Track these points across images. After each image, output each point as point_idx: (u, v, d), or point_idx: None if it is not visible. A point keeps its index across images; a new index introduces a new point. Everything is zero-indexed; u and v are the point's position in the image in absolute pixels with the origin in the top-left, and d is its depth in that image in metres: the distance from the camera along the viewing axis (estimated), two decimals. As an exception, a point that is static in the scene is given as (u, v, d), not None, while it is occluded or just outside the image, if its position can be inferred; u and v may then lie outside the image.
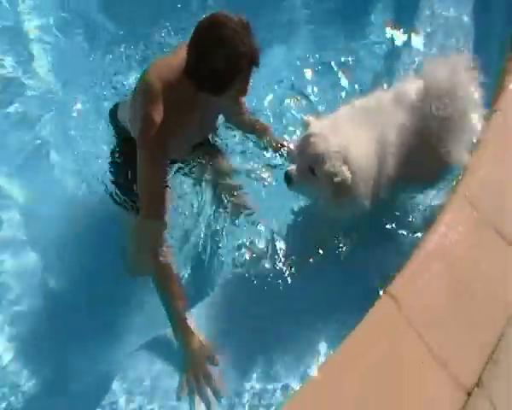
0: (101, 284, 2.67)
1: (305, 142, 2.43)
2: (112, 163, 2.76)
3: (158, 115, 2.16)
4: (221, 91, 2.20)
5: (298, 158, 2.49)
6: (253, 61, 2.16)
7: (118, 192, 2.69)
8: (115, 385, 2.18)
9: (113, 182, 2.73)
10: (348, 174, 2.32)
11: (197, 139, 2.66)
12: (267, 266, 2.58)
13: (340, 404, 1.98)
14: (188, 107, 2.28)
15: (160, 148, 2.20)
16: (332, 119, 2.51)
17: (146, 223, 2.24)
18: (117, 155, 2.72)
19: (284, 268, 2.54)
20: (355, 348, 2.09)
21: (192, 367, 2.19)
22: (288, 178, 2.45)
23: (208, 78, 2.16)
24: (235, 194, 2.85)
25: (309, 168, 2.40)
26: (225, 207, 2.82)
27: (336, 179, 2.31)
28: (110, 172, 2.75)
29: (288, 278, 2.51)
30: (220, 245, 2.77)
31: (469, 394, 2.07)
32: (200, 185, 2.90)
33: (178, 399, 2.14)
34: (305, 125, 2.50)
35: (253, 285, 2.50)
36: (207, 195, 2.89)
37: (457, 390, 2.07)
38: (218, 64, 2.11)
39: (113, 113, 2.73)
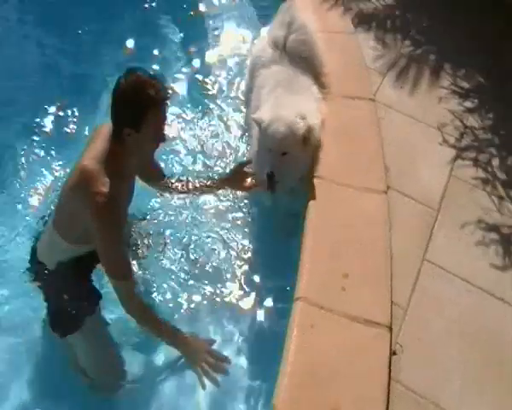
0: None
1: (269, 137, 2.63)
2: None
3: (107, 186, 2.20)
4: (138, 123, 2.23)
5: (267, 157, 2.65)
6: (163, 97, 2.25)
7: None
8: None
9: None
10: (315, 121, 2.70)
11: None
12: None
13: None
14: (122, 175, 2.33)
15: (119, 212, 2.29)
16: (267, 101, 2.78)
17: (126, 284, 2.33)
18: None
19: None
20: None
21: (198, 361, 2.42)
22: (270, 179, 2.61)
23: (124, 112, 2.23)
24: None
25: (282, 154, 2.62)
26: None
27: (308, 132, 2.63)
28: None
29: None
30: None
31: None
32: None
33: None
34: (259, 122, 2.68)
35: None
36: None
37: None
38: (130, 95, 2.19)
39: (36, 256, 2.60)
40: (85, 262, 2.52)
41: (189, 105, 3.60)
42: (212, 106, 3.59)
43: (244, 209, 3.06)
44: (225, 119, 3.52)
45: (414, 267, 2.51)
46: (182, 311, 2.74)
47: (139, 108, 2.20)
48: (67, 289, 2.53)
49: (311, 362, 2.13)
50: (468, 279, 2.50)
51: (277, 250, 2.83)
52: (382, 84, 3.32)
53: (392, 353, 2.23)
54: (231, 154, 3.33)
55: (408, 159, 2.95)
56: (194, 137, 3.42)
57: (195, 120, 3.51)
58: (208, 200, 3.06)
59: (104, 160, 2.26)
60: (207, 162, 3.30)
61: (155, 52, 3.91)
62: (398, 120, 3.11)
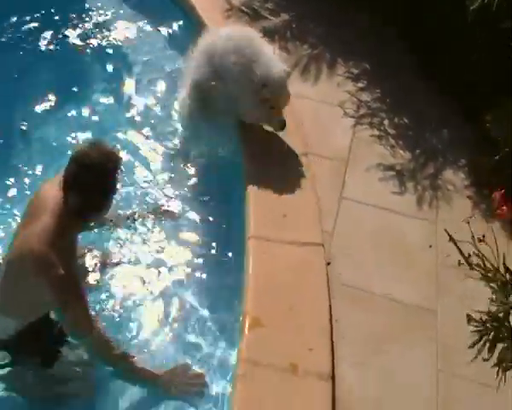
0: None
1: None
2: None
3: (63, 266, 2.20)
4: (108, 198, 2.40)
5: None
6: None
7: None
8: None
9: None
10: None
11: None
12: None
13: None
14: (72, 243, 2.39)
15: (78, 280, 2.36)
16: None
17: (95, 336, 2.37)
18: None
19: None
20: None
21: (175, 388, 2.53)
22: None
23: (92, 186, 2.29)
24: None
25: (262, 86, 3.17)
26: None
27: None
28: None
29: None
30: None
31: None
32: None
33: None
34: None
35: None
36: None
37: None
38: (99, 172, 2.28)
39: None
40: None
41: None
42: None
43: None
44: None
45: (334, 204, 3.30)
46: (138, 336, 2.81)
47: (110, 185, 2.34)
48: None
49: (268, 273, 2.85)
50: (375, 204, 3.32)
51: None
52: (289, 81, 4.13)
53: (327, 263, 2.99)
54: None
55: (321, 130, 3.75)
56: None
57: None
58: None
59: (52, 236, 2.21)
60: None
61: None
62: (307, 105, 3.91)
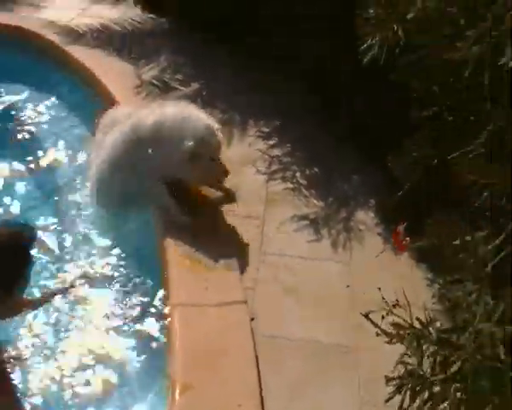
0: None
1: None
2: None
3: None
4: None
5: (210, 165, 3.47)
6: None
7: None
8: None
9: None
10: None
11: None
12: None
13: None
14: None
15: None
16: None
17: None
18: None
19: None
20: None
21: None
22: None
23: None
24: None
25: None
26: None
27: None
28: None
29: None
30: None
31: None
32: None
33: None
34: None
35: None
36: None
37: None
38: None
39: None
40: None
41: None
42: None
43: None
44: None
45: (255, 260, 3.41)
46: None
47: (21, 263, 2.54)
48: None
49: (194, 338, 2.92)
50: (293, 255, 3.46)
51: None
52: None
53: (251, 319, 3.10)
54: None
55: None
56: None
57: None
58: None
59: None
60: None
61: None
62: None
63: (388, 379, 1.94)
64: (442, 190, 2.53)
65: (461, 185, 2.08)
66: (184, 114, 3.54)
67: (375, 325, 1.97)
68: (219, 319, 3.02)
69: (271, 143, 4.38)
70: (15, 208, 3.79)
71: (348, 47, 3.45)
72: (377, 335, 1.91)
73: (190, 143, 3.39)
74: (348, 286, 3.28)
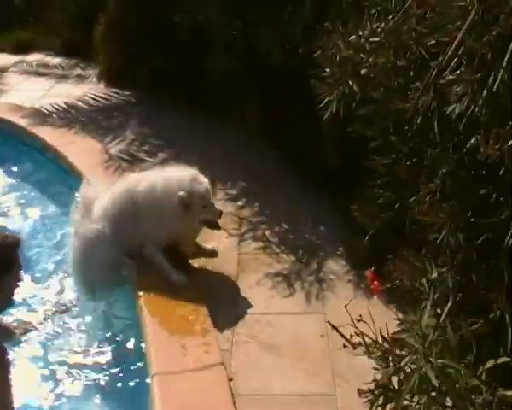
0: None
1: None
2: None
3: None
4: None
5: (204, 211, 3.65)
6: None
7: None
8: None
9: None
10: None
11: None
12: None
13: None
14: None
15: None
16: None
17: None
18: None
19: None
20: None
21: None
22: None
23: None
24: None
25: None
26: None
27: None
28: None
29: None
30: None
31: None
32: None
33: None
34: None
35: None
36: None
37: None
38: None
39: None
40: None
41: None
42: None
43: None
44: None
45: (230, 321, 3.42)
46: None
47: (10, 254, 2.81)
48: None
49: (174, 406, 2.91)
50: (267, 312, 3.49)
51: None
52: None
53: (229, 379, 3.09)
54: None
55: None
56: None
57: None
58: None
59: None
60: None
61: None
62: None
63: (361, 392, 2.01)
64: (405, 232, 2.63)
65: (422, 225, 2.19)
66: (167, 173, 3.80)
67: (343, 337, 2.09)
68: (198, 383, 3.00)
69: (240, 204, 4.48)
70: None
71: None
72: (344, 346, 2.10)
73: (181, 193, 3.57)
74: (322, 336, 3.30)
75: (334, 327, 2.28)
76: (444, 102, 2.16)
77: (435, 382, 1.59)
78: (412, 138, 2.53)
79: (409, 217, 2.41)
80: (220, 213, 3.72)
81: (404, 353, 1.78)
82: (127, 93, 6.49)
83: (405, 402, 1.76)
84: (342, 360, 3.05)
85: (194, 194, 3.62)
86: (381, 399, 2.06)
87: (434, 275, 1.95)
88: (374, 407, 2.04)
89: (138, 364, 3.28)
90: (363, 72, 2.68)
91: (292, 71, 4.38)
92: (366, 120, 2.89)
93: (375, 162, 2.92)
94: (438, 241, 2.03)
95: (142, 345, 3.32)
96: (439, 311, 1.83)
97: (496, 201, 1.97)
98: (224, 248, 4.03)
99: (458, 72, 1.98)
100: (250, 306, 3.55)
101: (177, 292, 3.55)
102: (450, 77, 1.99)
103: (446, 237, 2.00)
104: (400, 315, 2.22)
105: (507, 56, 1.67)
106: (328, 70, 2.87)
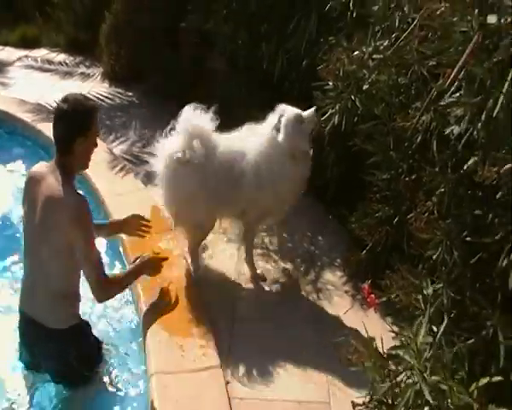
0: None
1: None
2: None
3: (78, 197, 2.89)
4: (88, 129, 2.90)
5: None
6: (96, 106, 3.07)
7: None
8: None
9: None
10: None
11: None
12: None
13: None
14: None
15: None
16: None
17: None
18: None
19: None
20: None
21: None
22: None
23: (74, 125, 2.87)
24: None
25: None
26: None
27: None
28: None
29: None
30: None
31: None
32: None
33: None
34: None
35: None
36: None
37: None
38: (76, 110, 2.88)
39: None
40: None
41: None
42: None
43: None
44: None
45: (228, 326, 3.47)
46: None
47: (87, 117, 2.87)
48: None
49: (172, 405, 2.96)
50: (266, 318, 3.55)
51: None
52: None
53: (226, 382, 3.15)
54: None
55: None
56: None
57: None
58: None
59: (64, 184, 2.85)
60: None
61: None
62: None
63: (355, 405, 2.07)
64: (402, 247, 2.69)
65: (418, 241, 2.25)
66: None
67: (341, 356, 2.12)
68: (196, 384, 3.05)
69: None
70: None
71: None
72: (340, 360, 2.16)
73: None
74: (319, 343, 3.36)
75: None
76: (443, 122, 2.22)
77: (429, 397, 1.64)
78: (412, 155, 2.60)
79: (406, 232, 2.48)
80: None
81: (400, 368, 1.83)
82: (130, 93, 6.55)
83: (400, 416, 1.80)
84: (338, 366, 3.10)
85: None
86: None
87: (430, 291, 2.01)
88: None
89: (136, 364, 3.33)
90: (365, 87, 2.75)
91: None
92: (367, 134, 2.96)
93: (374, 177, 2.99)
94: (434, 258, 2.09)
95: (141, 345, 3.38)
96: (434, 328, 1.88)
97: (491, 221, 2.03)
98: (223, 253, 4.09)
99: (458, 94, 2.04)
100: (247, 311, 3.60)
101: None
102: (451, 99, 2.05)
103: (442, 254, 2.06)
104: (395, 328, 2.29)
105: (506, 84, 1.72)
106: (331, 83, 2.94)
